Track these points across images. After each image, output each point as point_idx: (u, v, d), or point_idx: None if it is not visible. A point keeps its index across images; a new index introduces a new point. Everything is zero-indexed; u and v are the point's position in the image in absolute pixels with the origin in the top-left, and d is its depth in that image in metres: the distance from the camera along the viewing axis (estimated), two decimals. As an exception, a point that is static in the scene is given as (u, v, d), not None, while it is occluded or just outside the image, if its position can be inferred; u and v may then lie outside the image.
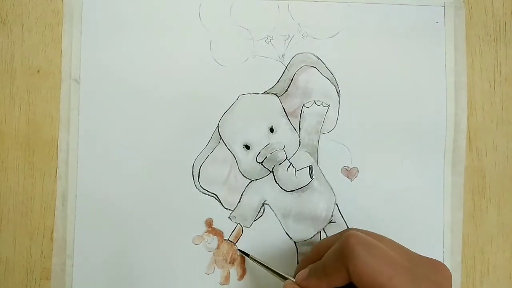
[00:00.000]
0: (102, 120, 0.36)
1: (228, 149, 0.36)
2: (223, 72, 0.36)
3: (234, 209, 0.36)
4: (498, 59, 0.37)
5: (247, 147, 0.36)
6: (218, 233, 0.36)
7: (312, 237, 0.36)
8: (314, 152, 0.36)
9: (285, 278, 0.31)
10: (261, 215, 0.36)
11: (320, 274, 0.28)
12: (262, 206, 0.36)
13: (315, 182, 0.36)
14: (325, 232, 0.36)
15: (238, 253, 0.36)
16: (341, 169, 0.36)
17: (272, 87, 0.36)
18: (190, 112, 0.36)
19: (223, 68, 0.36)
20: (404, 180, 0.36)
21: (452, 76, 0.37)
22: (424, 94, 0.37)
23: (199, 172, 0.36)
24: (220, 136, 0.36)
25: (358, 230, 0.30)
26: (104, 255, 0.35)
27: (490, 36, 0.37)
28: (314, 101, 0.37)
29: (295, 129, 0.36)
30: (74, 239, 0.35)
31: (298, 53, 0.37)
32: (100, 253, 0.35)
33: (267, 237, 0.36)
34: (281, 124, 0.36)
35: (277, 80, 0.36)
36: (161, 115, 0.36)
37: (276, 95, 0.36)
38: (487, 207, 0.37)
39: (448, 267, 0.28)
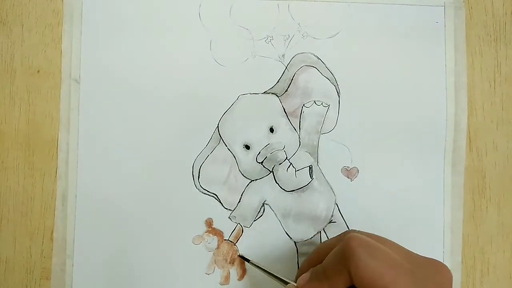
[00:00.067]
0: (102, 120, 0.36)
1: (228, 149, 0.36)
2: (223, 72, 0.36)
3: (234, 209, 0.36)
4: (498, 59, 0.37)
5: (247, 147, 0.36)
6: (218, 233, 0.36)
7: (312, 237, 0.36)
8: (314, 152, 0.36)
9: (286, 283, 0.31)
10: (261, 215, 0.36)
11: (321, 277, 0.28)
12: (262, 206, 0.36)
13: (315, 182, 0.36)
14: (325, 232, 0.36)
15: (239, 253, 0.36)
16: (341, 169, 0.36)
17: (272, 87, 0.36)
18: (190, 112, 0.36)
19: (223, 68, 0.36)
20: (404, 180, 0.36)
21: (452, 76, 0.37)
22: (424, 94, 0.37)
23: (199, 172, 0.36)
24: (220, 136, 0.36)
25: (358, 231, 0.30)
26: (104, 255, 0.35)
27: (490, 36, 0.37)
28: (314, 101, 0.37)
29: (295, 129, 0.36)
30: (74, 239, 0.35)
31: (298, 53, 0.37)
32: (100, 253, 0.35)
33: (267, 237, 0.36)
34: (281, 124, 0.36)
35: (277, 80, 0.36)
36: (161, 115, 0.36)
37: (276, 95, 0.36)
38: (487, 207, 0.37)
39: (448, 267, 0.28)
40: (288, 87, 0.36)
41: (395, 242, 0.29)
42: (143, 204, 0.35)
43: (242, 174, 0.36)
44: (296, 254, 0.36)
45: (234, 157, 0.36)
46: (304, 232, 0.36)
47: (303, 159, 0.36)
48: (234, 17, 0.36)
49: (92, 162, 0.35)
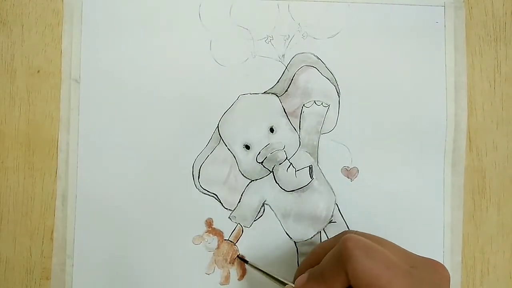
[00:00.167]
0: (102, 120, 0.36)
1: (228, 149, 0.36)
2: (223, 72, 0.36)
3: (234, 209, 0.36)
4: (498, 59, 0.37)
5: (247, 147, 0.36)
6: (218, 233, 0.36)
7: (312, 237, 0.36)
8: (314, 152, 0.36)
9: (285, 284, 0.31)
10: (261, 215, 0.36)
11: (319, 278, 0.28)
12: (262, 206, 0.36)
13: (315, 182, 0.36)
14: (325, 232, 0.36)
15: (238, 254, 0.36)
16: (341, 169, 0.36)
17: (272, 87, 0.36)
18: (190, 112, 0.36)
19: (223, 68, 0.36)
20: (404, 180, 0.36)
21: (452, 76, 0.37)
22: (424, 94, 0.37)
23: (199, 172, 0.36)
24: (220, 136, 0.36)
25: (356, 232, 0.30)
26: (104, 255, 0.35)
27: (490, 36, 0.37)
28: (314, 101, 0.37)
29: (295, 129, 0.36)
30: (74, 239, 0.35)
31: (298, 53, 0.37)
32: (100, 253, 0.35)
33: (267, 237, 0.36)
34: (281, 124, 0.36)
35: (277, 80, 0.36)
36: (161, 115, 0.36)
37: (276, 95, 0.36)
38: (487, 207, 0.37)
39: (448, 267, 0.28)
40: (288, 87, 0.36)
41: (394, 242, 0.29)
42: (143, 204, 0.35)
43: (242, 174, 0.36)
44: (296, 254, 0.36)
45: (234, 157, 0.36)
46: (304, 232, 0.36)
47: (303, 159, 0.36)
48: (234, 17, 0.36)
49: (92, 162, 0.35)
